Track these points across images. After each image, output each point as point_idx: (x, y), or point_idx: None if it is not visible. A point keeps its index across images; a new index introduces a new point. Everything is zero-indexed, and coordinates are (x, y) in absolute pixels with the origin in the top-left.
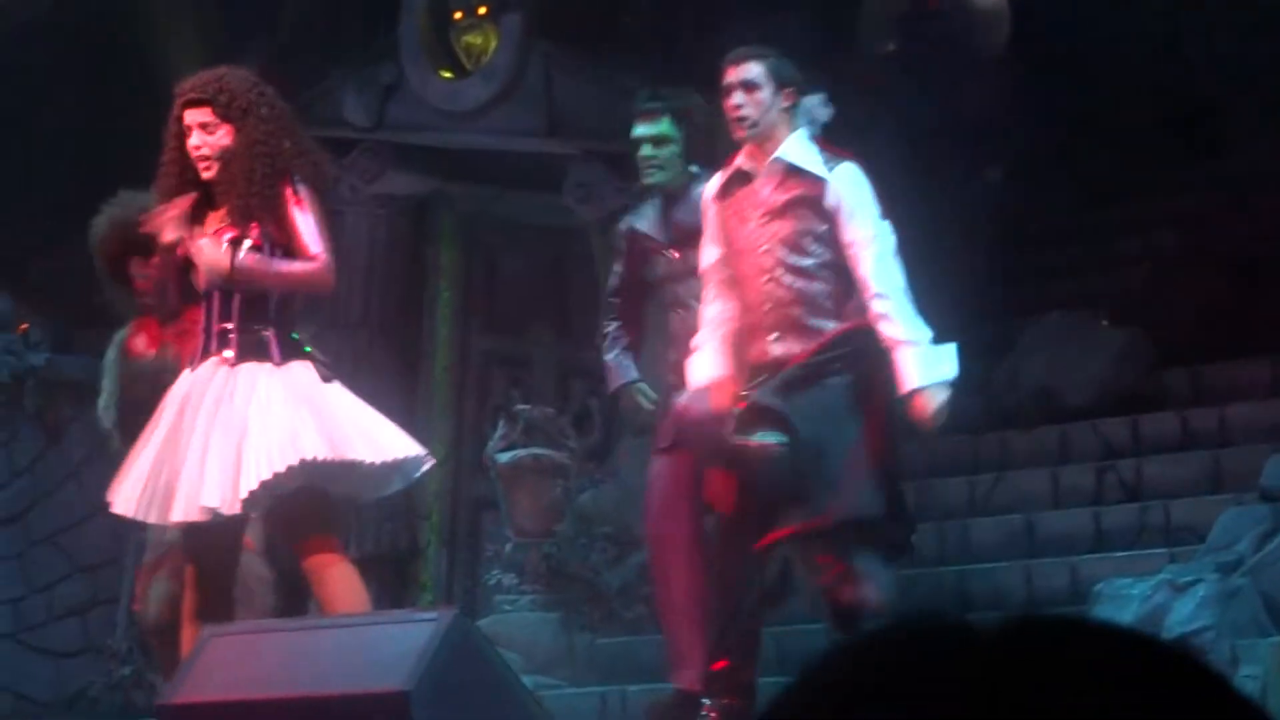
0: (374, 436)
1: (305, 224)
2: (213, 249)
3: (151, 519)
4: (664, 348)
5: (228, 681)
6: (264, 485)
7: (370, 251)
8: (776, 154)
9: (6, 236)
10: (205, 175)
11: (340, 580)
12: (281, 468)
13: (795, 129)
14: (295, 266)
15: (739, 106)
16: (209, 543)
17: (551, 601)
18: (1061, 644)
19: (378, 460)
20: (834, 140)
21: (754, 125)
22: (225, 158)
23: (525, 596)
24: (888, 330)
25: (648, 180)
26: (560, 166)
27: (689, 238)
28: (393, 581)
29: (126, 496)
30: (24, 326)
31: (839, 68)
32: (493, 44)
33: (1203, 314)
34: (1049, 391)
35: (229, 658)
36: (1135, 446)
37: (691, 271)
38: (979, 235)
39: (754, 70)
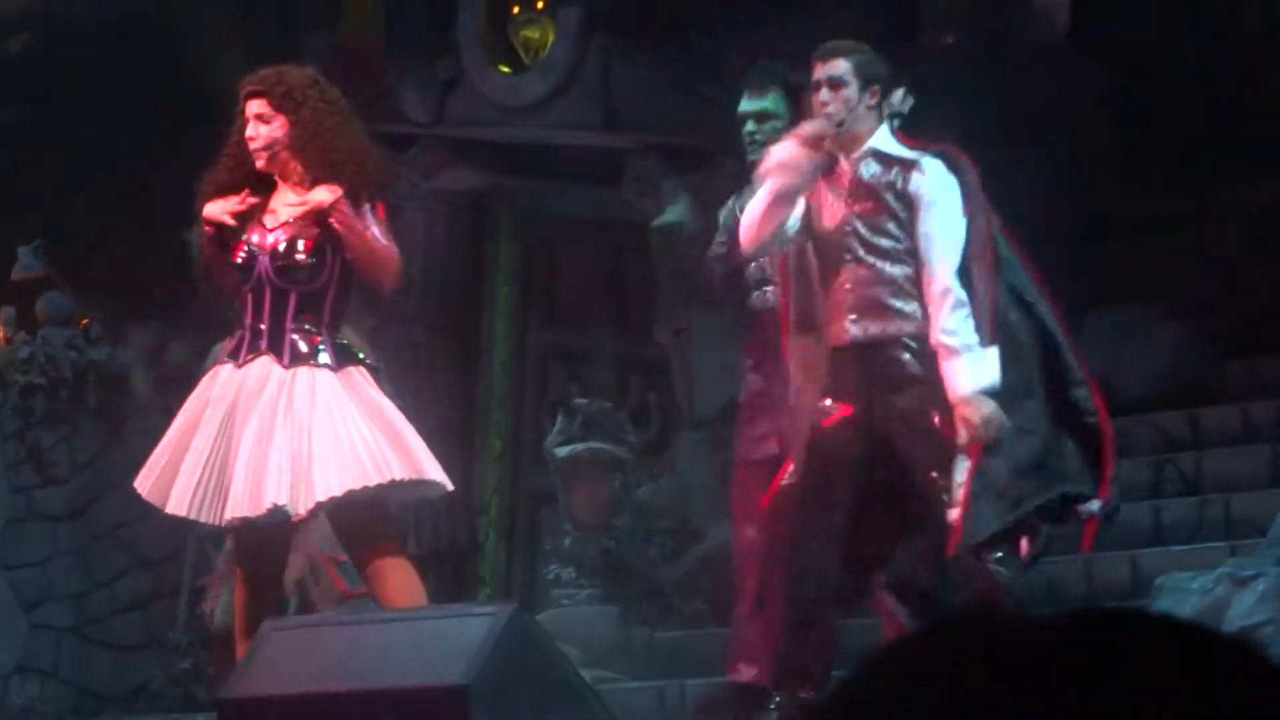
0: (420, 451)
1: (372, 225)
2: (323, 190)
3: (204, 519)
4: (747, 339)
5: (287, 675)
6: (336, 499)
7: (429, 247)
8: (867, 144)
9: (67, 232)
10: (259, 165)
11: (399, 578)
12: (367, 483)
13: (881, 125)
14: (381, 239)
15: (825, 105)
16: (260, 543)
17: (609, 595)
18: (1122, 637)
19: (430, 478)
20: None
21: (841, 124)
22: (276, 149)
23: (583, 591)
24: (939, 330)
25: (750, 157)
26: (618, 160)
27: None
28: (451, 576)
29: (179, 496)
30: (85, 322)
31: (898, 61)
32: (551, 38)
33: (1264, 306)
34: (1108, 384)
35: (289, 651)
36: (1195, 439)
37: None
38: (1037, 228)
39: (841, 67)
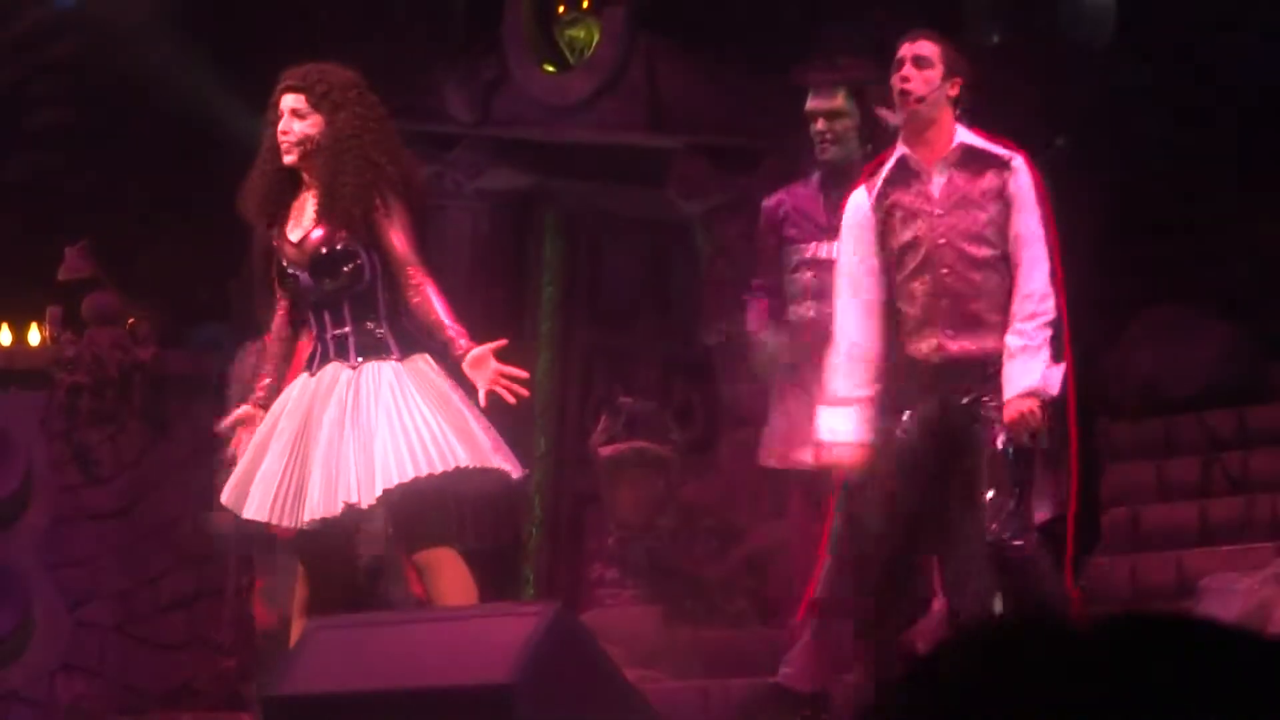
0: (486, 440)
1: (399, 239)
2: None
3: (285, 522)
4: (786, 343)
5: (332, 673)
6: (402, 486)
7: (473, 246)
8: (957, 139)
9: (112, 231)
10: (286, 159)
11: (453, 575)
12: (433, 470)
13: (957, 120)
14: (438, 308)
15: (907, 79)
16: (329, 544)
17: (654, 595)
18: (1164, 642)
19: (497, 466)
20: None
21: (920, 100)
22: (308, 146)
23: (628, 590)
24: (1015, 333)
25: (823, 157)
26: (664, 160)
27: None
28: (495, 575)
29: (259, 502)
30: (131, 321)
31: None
32: (596, 38)
33: None
34: (1155, 383)
35: (333, 650)
36: (1242, 439)
37: (827, 266)
38: (1084, 228)
39: (928, 48)
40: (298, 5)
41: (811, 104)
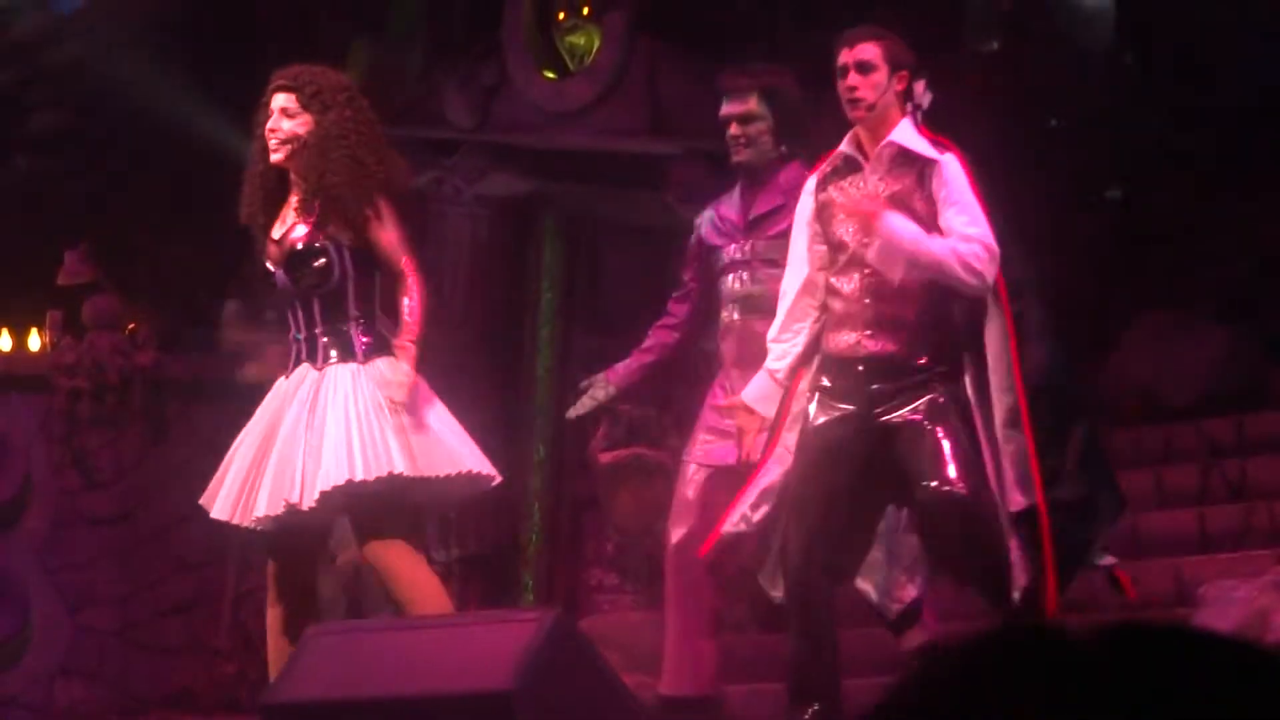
0: (452, 446)
1: (389, 238)
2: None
3: (239, 521)
4: (715, 344)
5: (331, 680)
6: (339, 489)
7: (473, 251)
8: (889, 137)
9: (112, 236)
10: (273, 157)
11: (411, 576)
12: (367, 476)
13: (905, 113)
14: (417, 305)
15: (854, 88)
16: (289, 543)
17: (653, 600)
18: (1158, 652)
19: (454, 473)
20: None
21: (870, 108)
22: (295, 145)
23: (627, 595)
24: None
25: (735, 159)
26: (663, 165)
27: (764, 224)
28: (495, 581)
29: (220, 502)
30: (131, 326)
31: (943, 65)
32: (596, 44)
33: None
34: (1152, 390)
35: (332, 656)
36: (1241, 445)
37: (756, 261)
38: (1083, 231)
39: (870, 51)
40: (297, 8)
41: (725, 110)
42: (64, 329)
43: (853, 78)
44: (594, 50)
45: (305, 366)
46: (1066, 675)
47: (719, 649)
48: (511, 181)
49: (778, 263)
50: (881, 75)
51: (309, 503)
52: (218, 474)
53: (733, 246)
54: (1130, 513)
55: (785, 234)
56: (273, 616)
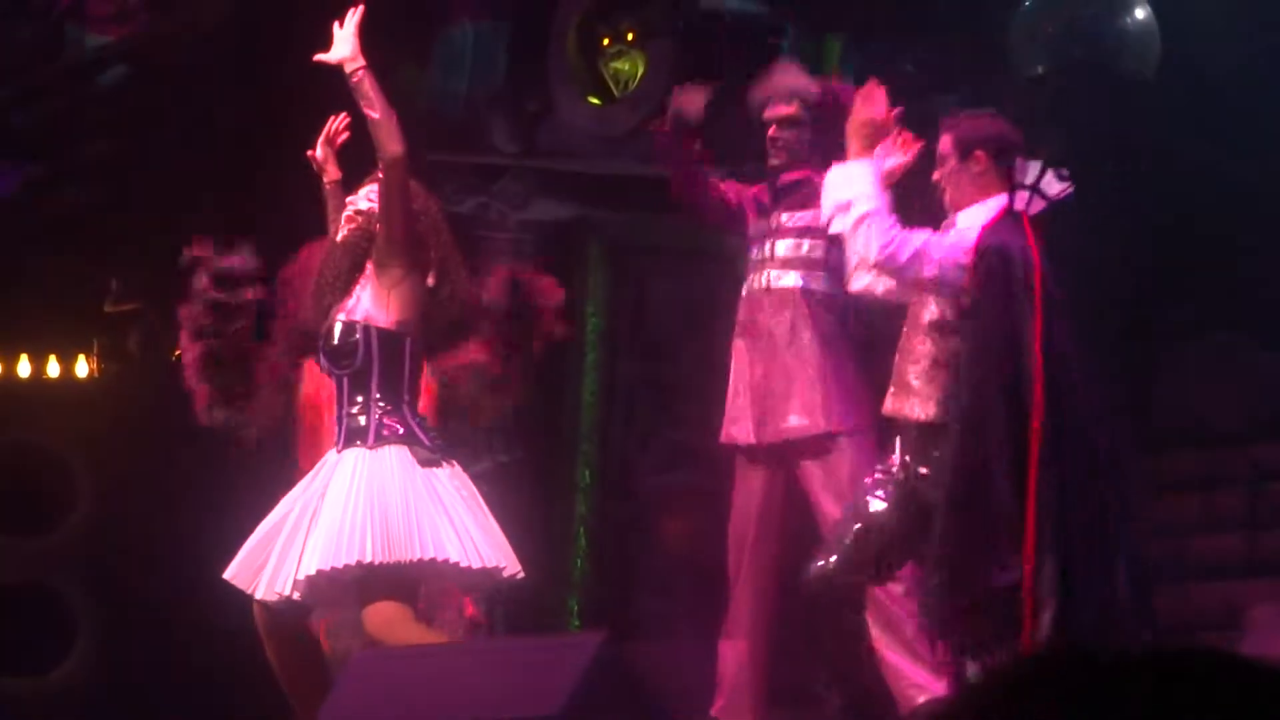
0: (461, 537)
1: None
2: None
3: (245, 589)
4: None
5: (376, 705)
6: (310, 580)
7: None
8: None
9: (160, 264)
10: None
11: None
12: (336, 564)
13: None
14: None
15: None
16: (279, 623)
17: (700, 627)
18: (1184, 677)
19: (461, 562)
20: None
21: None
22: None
23: (673, 622)
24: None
25: (771, 162)
26: None
27: (792, 199)
28: (541, 606)
29: (235, 563)
30: (177, 353)
31: (986, 91)
32: (640, 70)
33: None
34: (1199, 414)
35: (378, 681)
36: None
37: (774, 235)
38: (1127, 256)
39: (946, 143)
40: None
41: (768, 113)
42: (111, 357)
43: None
44: (638, 76)
45: (334, 449)
46: (1104, 701)
47: (771, 675)
48: (556, 207)
49: (797, 232)
50: (951, 164)
51: (286, 588)
52: (250, 539)
53: (762, 220)
54: (1178, 535)
55: (809, 203)
56: (270, 653)
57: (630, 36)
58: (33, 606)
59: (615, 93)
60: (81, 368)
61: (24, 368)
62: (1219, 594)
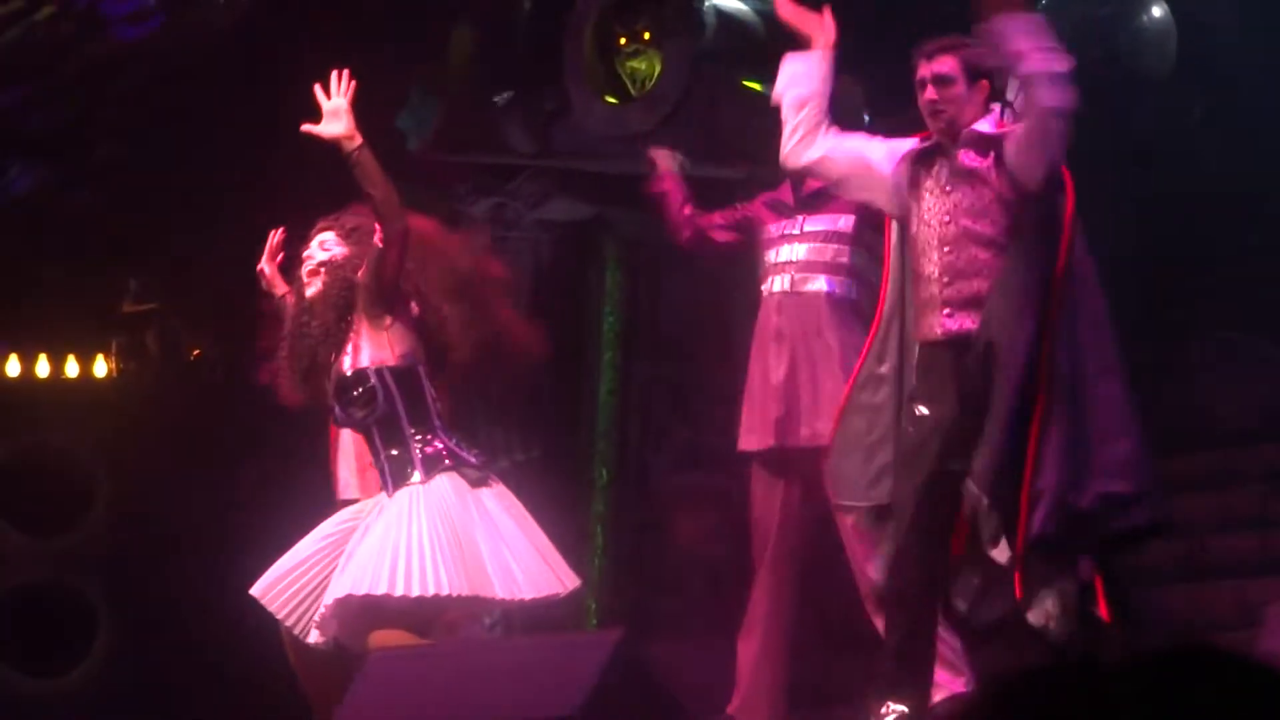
0: (510, 564)
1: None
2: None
3: (274, 610)
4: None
5: (395, 704)
6: (330, 609)
7: (534, 276)
8: (972, 126)
9: (179, 264)
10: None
11: None
12: (355, 591)
13: (989, 113)
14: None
15: (933, 102)
16: (312, 658)
17: (716, 626)
18: (1189, 680)
19: (526, 596)
20: None
21: (951, 120)
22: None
23: (690, 620)
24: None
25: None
26: (724, 190)
27: (816, 203)
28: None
29: (265, 581)
30: (196, 353)
31: (1001, 86)
32: (657, 69)
33: None
34: (1213, 414)
35: (396, 681)
36: None
37: (803, 234)
38: (1139, 255)
39: (947, 64)
40: (359, 30)
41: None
42: (130, 356)
43: (931, 91)
44: (655, 75)
45: (383, 494)
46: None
47: (791, 675)
48: (573, 207)
49: (822, 236)
50: (960, 88)
51: (317, 615)
52: (284, 558)
53: (783, 221)
54: (1192, 534)
55: (831, 208)
56: (291, 655)
57: (647, 36)
58: (53, 606)
59: (632, 92)
60: (100, 368)
61: (43, 368)
62: (1233, 593)
